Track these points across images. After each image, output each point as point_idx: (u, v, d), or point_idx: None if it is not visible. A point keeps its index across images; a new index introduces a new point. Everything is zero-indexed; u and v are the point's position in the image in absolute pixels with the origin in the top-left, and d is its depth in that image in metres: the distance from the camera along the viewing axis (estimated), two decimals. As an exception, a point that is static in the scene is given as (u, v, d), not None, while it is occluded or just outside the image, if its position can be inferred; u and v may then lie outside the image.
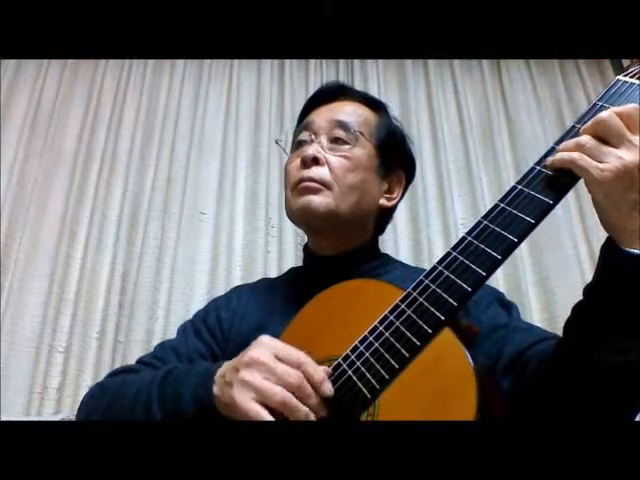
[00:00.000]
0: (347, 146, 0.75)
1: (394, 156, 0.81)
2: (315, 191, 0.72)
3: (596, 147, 0.49)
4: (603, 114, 0.49)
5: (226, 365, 0.53)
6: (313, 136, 0.77)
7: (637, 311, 0.47)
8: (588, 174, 0.48)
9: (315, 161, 0.73)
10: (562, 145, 0.52)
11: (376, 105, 0.84)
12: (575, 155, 0.49)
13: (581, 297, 0.54)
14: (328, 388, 0.50)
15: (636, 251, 0.48)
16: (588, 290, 0.53)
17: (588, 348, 0.50)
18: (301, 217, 0.74)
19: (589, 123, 0.51)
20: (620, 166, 0.47)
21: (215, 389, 0.52)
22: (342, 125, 0.76)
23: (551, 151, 0.54)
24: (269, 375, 0.49)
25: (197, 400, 0.53)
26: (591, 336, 0.50)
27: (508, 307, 0.71)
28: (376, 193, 0.78)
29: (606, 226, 0.51)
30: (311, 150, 0.74)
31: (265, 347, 0.51)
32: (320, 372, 0.50)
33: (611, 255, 0.50)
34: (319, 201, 0.71)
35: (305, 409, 0.48)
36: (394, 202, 0.81)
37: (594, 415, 0.50)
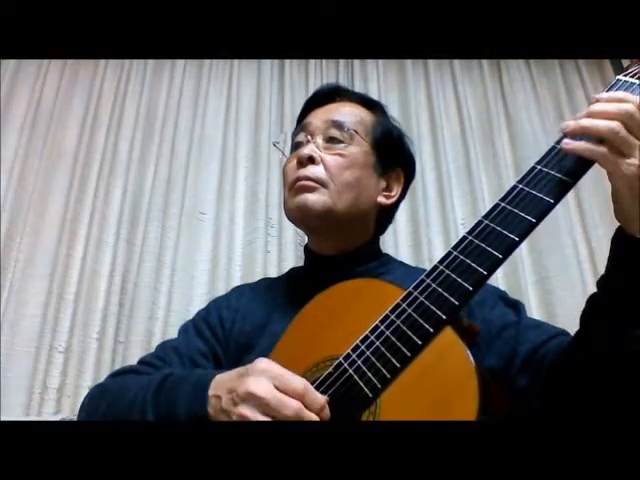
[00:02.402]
0: (342, 145, 0.75)
1: (391, 154, 0.81)
2: (311, 189, 0.72)
3: (627, 138, 0.48)
4: (629, 107, 0.49)
5: (221, 383, 0.52)
6: (309, 137, 0.77)
7: None
8: (617, 168, 0.48)
9: (311, 160, 0.73)
10: (587, 119, 0.50)
11: (373, 105, 0.84)
12: (603, 149, 0.49)
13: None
14: (326, 417, 0.49)
15: None
16: (601, 281, 0.53)
17: (604, 337, 0.51)
18: (298, 216, 0.75)
19: (614, 109, 0.49)
20: None
21: (210, 410, 0.51)
22: (337, 124, 0.76)
23: (551, 151, 0.54)
24: (268, 410, 0.47)
25: (191, 413, 0.52)
26: (607, 325, 0.51)
27: (515, 306, 0.71)
28: (373, 191, 0.78)
29: (622, 216, 0.51)
30: (307, 150, 0.74)
31: (262, 376, 0.49)
32: (319, 401, 0.49)
33: (622, 244, 0.51)
34: (315, 199, 0.71)
35: None
36: (393, 200, 0.81)
37: (613, 403, 0.50)
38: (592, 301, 0.55)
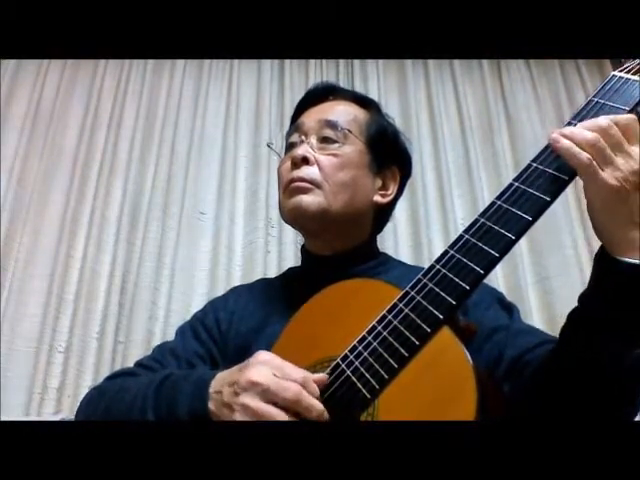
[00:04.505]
0: (336, 144, 0.75)
1: (386, 152, 0.80)
2: (305, 190, 0.72)
3: (604, 150, 0.47)
4: (602, 122, 0.48)
5: (222, 379, 0.53)
6: (303, 137, 0.77)
7: (628, 319, 0.47)
8: (594, 179, 0.48)
9: (305, 161, 0.73)
10: (573, 130, 0.49)
11: (367, 103, 0.83)
12: (585, 158, 0.47)
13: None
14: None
15: (626, 259, 0.47)
16: (582, 297, 0.52)
17: (584, 354, 0.49)
18: (293, 217, 0.74)
19: (596, 123, 0.49)
20: (624, 176, 0.47)
21: (211, 405, 0.51)
22: (330, 124, 0.76)
23: (547, 149, 0.53)
24: (269, 395, 0.48)
25: (192, 412, 0.53)
26: (586, 342, 0.50)
27: (509, 308, 0.71)
28: (369, 190, 0.77)
29: (599, 234, 0.50)
30: (300, 150, 0.74)
31: (263, 366, 0.51)
32: (318, 390, 0.50)
33: (602, 263, 0.50)
34: (310, 200, 0.71)
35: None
36: (389, 198, 0.80)
37: (590, 415, 0.50)
38: (572, 316, 0.53)
